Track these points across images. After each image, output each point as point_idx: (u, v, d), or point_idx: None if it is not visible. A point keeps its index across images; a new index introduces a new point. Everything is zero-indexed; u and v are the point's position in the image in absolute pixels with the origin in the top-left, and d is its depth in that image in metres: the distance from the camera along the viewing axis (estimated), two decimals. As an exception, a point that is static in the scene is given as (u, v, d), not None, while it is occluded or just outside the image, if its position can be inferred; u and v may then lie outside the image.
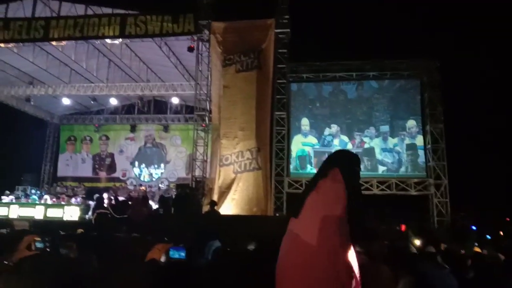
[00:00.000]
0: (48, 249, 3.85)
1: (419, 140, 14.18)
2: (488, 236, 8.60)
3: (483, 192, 13.89)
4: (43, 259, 3.21)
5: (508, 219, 10.68)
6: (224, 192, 12.39)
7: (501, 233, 10.17)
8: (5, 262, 3.22)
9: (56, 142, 22.25)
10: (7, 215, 14.09)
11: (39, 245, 3.80)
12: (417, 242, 9.13)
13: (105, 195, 13.83)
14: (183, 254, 3.21)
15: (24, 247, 3.70)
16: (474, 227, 9.81)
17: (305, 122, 14.79)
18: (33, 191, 18.25)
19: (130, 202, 11.81)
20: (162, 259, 3.33)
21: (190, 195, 11.80)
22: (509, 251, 5.50)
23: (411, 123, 14.31)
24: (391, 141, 14.33)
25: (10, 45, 14.82)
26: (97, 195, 12.97)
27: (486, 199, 13.48)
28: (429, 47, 15.05)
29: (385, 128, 14.43)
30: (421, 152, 14.11)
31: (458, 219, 13.04)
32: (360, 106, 14.81)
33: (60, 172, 21.60)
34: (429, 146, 13.84)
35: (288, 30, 13.21)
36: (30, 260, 3.06)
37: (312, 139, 14.74)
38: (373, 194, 13.75)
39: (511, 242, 7.88)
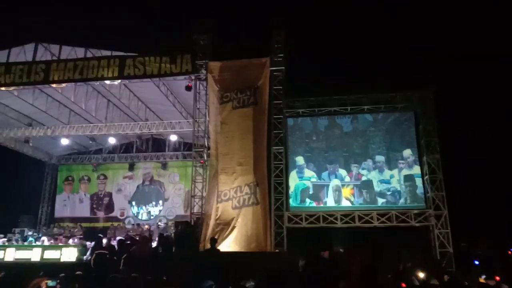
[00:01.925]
0: None
1: (416, 170, 14.25)
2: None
3: (484, 222, 13.82)
4: None
5: (510, 252, 10.57)
6: (223, 228, 12.29)
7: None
8: None
9: (54, 182, 22.19)
10: (3, 258, 13.87)
11: (51, 284, 3.79)
12: (421, 274, 9.04)
13: (104, 240, 13.73)
14: None
15: None
16: (476, 262, 9.71)
17: (300, 160, 14.89)
18: (30, 232, 18.00)
19: (128, 242, 11.68)
20: None
21: (190, 233, 11.69)
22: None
23: (407, 153, 14.44)
24: (388, 173, 14.39)
25: (11, 88, 15.10)
26: (98, 235, 12.83)
27: (487, 228, 13.40)
28: (422, 79, 15.43)
29: (380, 158, 14.54)
30: (419, 183, 14.14)
31: (460, 251, 12.91)
32: (356, 139, 14.98)
33: (58, 213, 21.43)
34: (426, 176, 13.90)
35: (283, 67, 13.59)
36: None
37: (310, 173, 14.80)
38: (374, 227, 13.66)
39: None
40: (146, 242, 10.22)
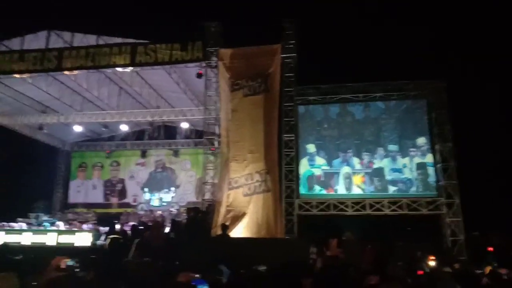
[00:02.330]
0: (77, 269, 3.97)
1: (428, 158, 14.13)
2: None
3: (496, 211, 13.71)
4: (71, 281, 3.30)
5: None
6: (234, 215, 12.41)
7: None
8: (33, 283, 3.30)
9: (68, 169, 22.54)
10: (20, 242, 14.22)
11: (70, 263, 3.91)
12: (432, 262, 9.05)
13: (117, 226, 13.96)
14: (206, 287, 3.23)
15: (53, 268, 3.80)
16: (490, 249, 9.66)
17: (311, 148, 14.85)
18: (45, 218, 18.38)
19: (141, 227, 11.88)
20: None
21: (202, 219, 11.83)
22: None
23: (422, 141, 14.29)
24: (401, 161, 14.30)
25: (25, 75, 15.29)
26: (114, 221, 13.05)
27: (499, 217, 13.29)
28: (435, 67, 15.22)
29: (393, 148, 14.43)
30: (431, 171, 14.03)
31: (472, 240, 12.84)
32: (367, 127, 14.87)
33: (71, 199, 21.81)
34: (439, 165, 13.77)
35: (295, 54, 13.49)
36: (58, 282, 3.14)
37: (321, 160, 14.78)
38: (385, 215, 13.64)
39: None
40: (159, 228, 10.37)
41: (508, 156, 15.43)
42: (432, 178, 13.98)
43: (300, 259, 7.68)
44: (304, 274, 4.40)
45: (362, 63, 18.44)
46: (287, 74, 13.61)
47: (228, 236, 10.46)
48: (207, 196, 13.73)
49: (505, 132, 15.92)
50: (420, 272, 6.52)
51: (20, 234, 14.74)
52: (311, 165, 14.76)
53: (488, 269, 6.48)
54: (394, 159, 14.34)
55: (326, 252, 9.40)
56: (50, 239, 14.31)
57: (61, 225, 16.11)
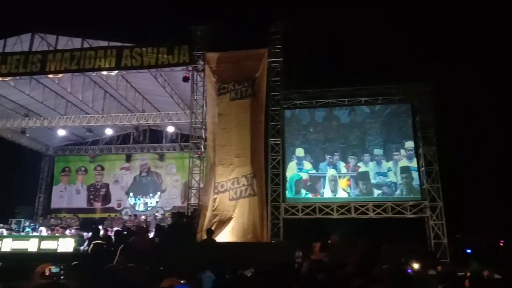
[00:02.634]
0: (62, 276, 3.91)
1: (413, 162, 14.32)
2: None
3: (478, 213, 13.96)
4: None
5: (501, 243, 10.69)
6: (220, 219, 12.37)
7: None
8: None
9: (51, 173, 22.18)
10: (0, 249, 13.91)
11: (54, 270, 3.85)
12: (416, 265, 9.14)
13: (100, 227, 13.75)
14: None
15: (38, 276, 3.73)
16: (469, 250, 9.84)
17: (299, 152, 14.91)
18: (27, 223, 18.04)
19: (125, 233, 11.74)
20: None
21: (187, 224, 11.75)
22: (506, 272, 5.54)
23: (407, 145, 14.47)
24: (385, 165, 14.46)
25: (7, 78, 15.02)
26: (94, 225, 12.88)
27: (482, 219, 13.54)
28: (419, 72, 15.45)
29: (378, 152, 14.59)
30: (415, 175, 14.22)
31: (455, 242, 13.05)
32: (353, 131, 15.02)
33: (54, 204, 21.46)
34: (422, 168, 13.98)
35: (281, 59, 13.55)
36: None
37: (307, 165, 14.85)
38: (369, 218, 13.77)
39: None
40: (144, 233, 10.26)
41: (491, 159, 15.75)
42: (416, 182, 14.16)
43: (286, 263, 7.68)
44: (290, 278, 4.41)
45: (347, 67, 18.65)
46: (273, 79, 13.67)
47: (214, 240, 10.40)
48: (193, 200, 13.65)
49: (489, 135, 16.25)
50: (409, 272, 6.60)
51: (1, 240, 14.40)
52: (300, 169, 14.81)
53: (470, 271, 6.59)
54: (379, 163, 14.50)
55: (311, 256, 9.42)
56: (31, 245, 14.02)
57: (43, 231, 15.83)
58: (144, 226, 12.05)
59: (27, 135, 19.33)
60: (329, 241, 10.76)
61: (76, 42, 14.97)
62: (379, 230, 13.81)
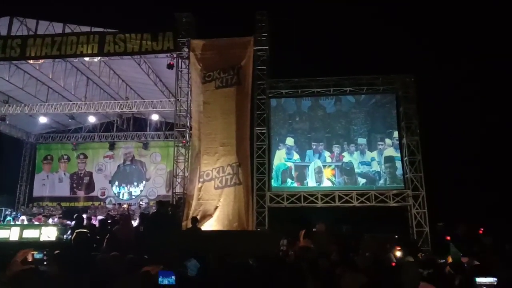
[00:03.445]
0: (45, 262, 3.85)
1: (396, 152, 14.50)
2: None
3: (459, 202, 14.24)
4: (36, 275, 3.17)
5: (481, 231, 10.96)
6: (205, 208, 12.36)
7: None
8: None
9: (32, 161, 21.78)
10: (-19, 238, 13.64)
11: (37, 256, 3.79)
12: (398, 253, 9.30)
13: (84, 216, 13.53)
14: (172, 279, 3.19)
15: (19, 261, 3.64)
16: (448, 238, 10.03)
17: (289, 141, 14.93)
18: (8, 212, 17.72)
19: (109, 221, 11.64)
20: None
21: (171, 212, 11.69)
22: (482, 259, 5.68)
23: (394, 134, 14.62)
24: (369, 155, 14.60)
25: (-15, 63, 14.61)
26: (76, 214, 12.71)
27: (463, 208, 13.81)
28: (404, 62, 15.55)
29: (362, 141, 14.72)
30: (398, 164, 14.42)
31: (437, 230, 13.28)
32: (338, 121, 15.09)
33: (36, 192, 21.11)
34: (406, 158, 14.17)
35: (267, 47, 13.49)
36: (23, 276, 3.02)
37: (296, 155, 14.88)
38: (353, 207, 13.93)
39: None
40: (127, 221, 10.18)
41: (473, 149, 16.03)
42: (399, 171, 14.36)
43: (270, 251, 7.73)
44: (277, 265, 4.44)
45: (333, 57, 18.65)
46: (259, 67, 13.62)
47: (199, 229, 10.38)
48: (178, 189, 13.60)
49: (472, 124, 16.52)
50: (391, 260, 6.70)
51: (-19, 229, 14.11)
52: (289, 159, 14.84)
53: (450, 258, 6.73)
54: (363, 153, 14.63)
55: (298, 243, 9.50)
56: (13, 234, 13.77)
57: (25, 220, 15.56)
58: (128, 214, 11.93)
59: (7, 122, 18.89)
60: (314, 229, 10.88)
61: (57, 27, 14.61)
62: (363, 218, 13.98)
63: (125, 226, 9.65)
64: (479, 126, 16.58)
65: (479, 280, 3.43)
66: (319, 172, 14.61)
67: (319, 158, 14.73)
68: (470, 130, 16.44)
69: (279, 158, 14.84)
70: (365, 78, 14.98)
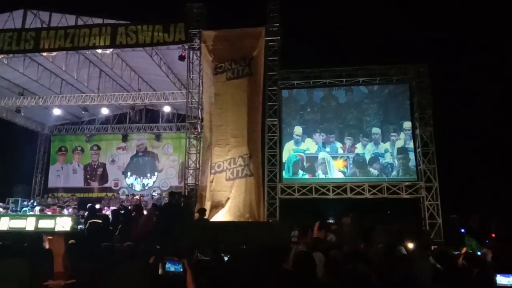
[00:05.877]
0: None
1: (410, 143, 14.33)
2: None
3: (473, 194, 14.06)
4: None
5: (493, 235, 10.79)
6: (217, 199, 12.41)
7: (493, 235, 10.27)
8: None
9: (47, 153, 22.10)
10: (-2, 227, 13.94)
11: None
12: (410, 245, 9.24)
13: (97, 206, 13.78)
14: (179, 267, 3.20)
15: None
16: (462, 230, 9.93)
17: (298, 130, 14.87)
18: (24, 202, 18.06)
19: (122, 211, 11.79)
20: (160, 271, 3.33)
21: (184, 203, 11.78)
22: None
23: (404, 125, 14.46)
24: (382, 146, 14.46)
25: (0, 56, 14.78)
26: (89, 204, 12.89)
27: (476, 200, 13.64)
28: (418, 51, 15.33)
29: (376, 132, 14.57)
30: (411, 156, 14.25)
31: (450, 222, 13.14)
32: (350, 111, 14.95)
33: (51, 183, 21.45)
34: (419, 149, 13.99)
35: (279, 38, 13.36)
36: None
37: (305, 145, 14.82)
38: (365, 198, 13.85)
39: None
40: (150, 215, 10.27)
41: (487, 140, 15.77)
42: (412, 163, 14.20)
43: (282, 241, 7.75)
44: (283, 257, 4.43)
45: (346, 47, 18.46)
46: (271, 58, 13.50)
47: (207, 220, 10.46)
48: (190, 180, 13.67)
49: (485, 115, 16.24)
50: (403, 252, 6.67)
51: (-2, 219, 14.41)
52: (297, 149, 14.77)
53: (464, 250, 6.65)
54: (376, 144, 14.49)
55: (310, 235, 9.52)
56: (29, 224, 14.06)
57: (36, 210, 15.85)
58: (136, 206, 12.01)
59: (22, 114, 19.15)
60: (342, 221, 10.90)
61: (70, 19, 14.68)
62: (375, 210, 13.91)
63: (147, 219, 9.74)
64: (494, 116, 16.28)
65: (500, 281, 3.18)
66: (329, 162, 14.52)
67: (330, 149, 14.63)
68: (485, 121, 16.16)
69: (289, 150, 14.78)
70: (378, 68, 14.78)
